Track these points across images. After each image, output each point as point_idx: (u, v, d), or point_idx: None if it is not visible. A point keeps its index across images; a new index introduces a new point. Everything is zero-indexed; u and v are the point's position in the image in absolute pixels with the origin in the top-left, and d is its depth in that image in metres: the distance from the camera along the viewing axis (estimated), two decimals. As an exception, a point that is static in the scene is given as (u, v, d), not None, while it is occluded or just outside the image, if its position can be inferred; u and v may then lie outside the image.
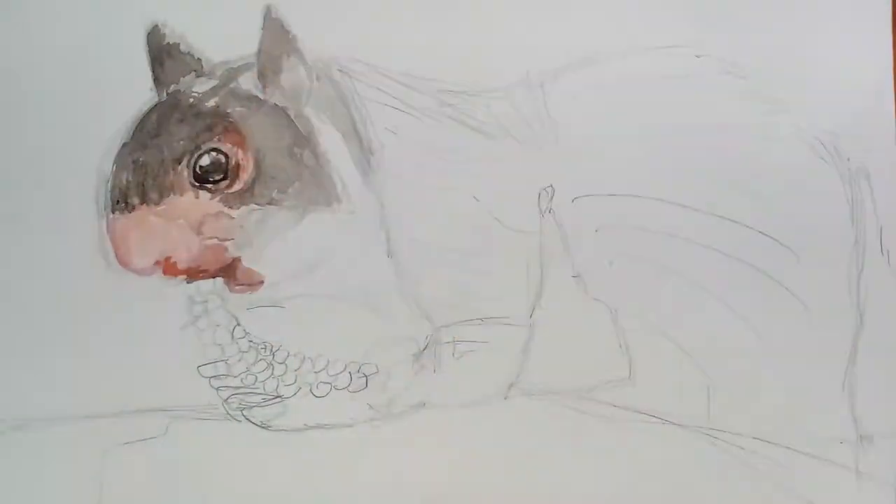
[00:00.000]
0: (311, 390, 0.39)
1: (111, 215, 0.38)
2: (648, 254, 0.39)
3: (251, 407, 0.39)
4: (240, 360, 0.39)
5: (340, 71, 0.39)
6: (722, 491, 0.39)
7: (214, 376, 0.39)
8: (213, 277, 0.39)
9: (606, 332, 0.39)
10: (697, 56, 0.40)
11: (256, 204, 0.38)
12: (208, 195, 0.38)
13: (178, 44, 0.39)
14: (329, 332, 0.39)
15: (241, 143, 0.38)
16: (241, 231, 0.38)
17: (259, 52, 0.38)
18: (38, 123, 0.39)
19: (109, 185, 0.38)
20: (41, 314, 0.39)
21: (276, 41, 0.38)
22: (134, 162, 0.38)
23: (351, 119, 0.39)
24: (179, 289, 0.39)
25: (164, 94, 0.39)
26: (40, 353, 0.39)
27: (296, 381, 0.39)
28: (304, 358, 0.39)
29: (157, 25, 0.39)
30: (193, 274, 0.38)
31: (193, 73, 0.39)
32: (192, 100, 0.38)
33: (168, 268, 0.38)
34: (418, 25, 0.39)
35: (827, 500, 0.38)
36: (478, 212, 0.39)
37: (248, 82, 0.38)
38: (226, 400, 0.39)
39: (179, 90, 0.39)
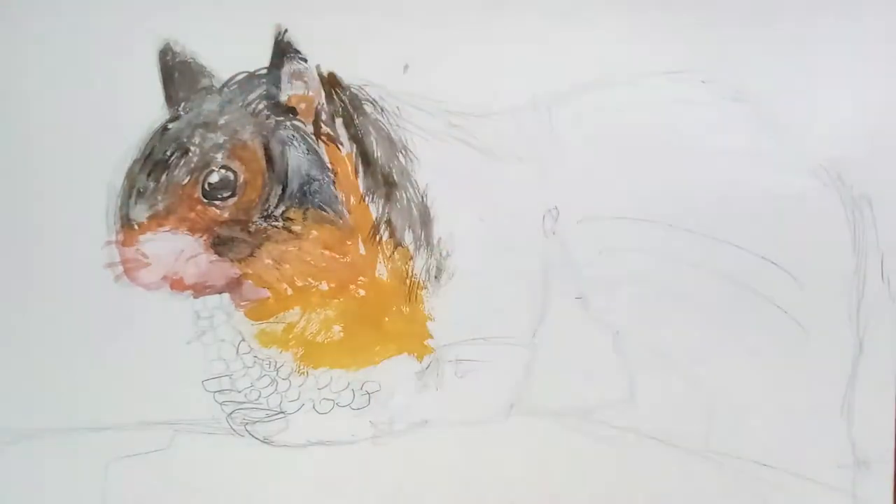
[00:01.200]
0: (314, 407, 0.39)
1: (121, 230, 0.39)
2: (651, 276, 0.39)
3: (254, 422, 0.39)
4: (244, 376, 0.39)
5: (352, 91, 0.39)
6: (720, 514, 0.39)
7: (219, 391, 0.39)
8: (220, 293, 0.39)
9: (608, 353, 0.39)
10: (703, 81, 0.40)
11: (263, 221, 0.38)
12: (216, 212, 0.38)
13: (190, 61, 0.39)
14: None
15: (249, 160, 0.38)
16: (247, 247, 0.38)
17: (269, 70, 0.39)
18: (51, 140, 0.40)
19: (120, 200, 0.39)
20: (49, 327, 0.39)
21: (286, 60, 0.38)
22: (144, 178, 0.38)
23: (361, 138, 0.39)
24: (186, 304, 0.39)
25: (176, 111, 0.39)
26: (47, 365, 0.39)
27: (299, 397, 0.39)
28: (307, 374, 0.40)
29: (168, 43, 0.39)
30: (200, 289, 0.39)
31: (204, 91, 0.39)
32: (202, 117, 0.39)
33: (175, 283, 0.39)
34: (425, 47, 0.39)
35: (824, 525, 0.39)
36: (483, 232, 0.39)
37: (258, 100, 0.39)
38: (230, 414, 0.39)
39: (190, 107, 0.39)
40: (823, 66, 0.40)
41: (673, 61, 0.40)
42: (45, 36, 0.40)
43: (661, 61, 0.40)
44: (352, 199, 0.39)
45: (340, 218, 0.39)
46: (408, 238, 0.39)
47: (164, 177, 0.38)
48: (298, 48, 0.39)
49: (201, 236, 0.38)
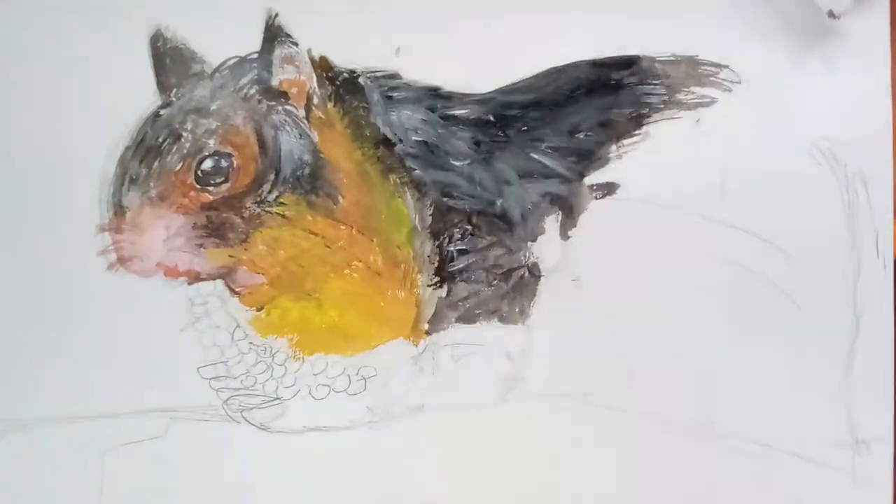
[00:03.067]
0: (310, 392, 0.39)
1: (113, 217, 0.39)
2: (646, 257, 0.39)
3: (251, 408, 0.39)
4: (240, 362, 0.39)
5: (344, 75, 0.39)
6: (719, 495, 0.39)
7: (214, 378, 0.39)
8: (214, 279, 0.39)
9: (604, 335, 0.39)
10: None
11: (256, 206, 0.38)
12: (210, 198, 0.38)
13: (181, 47, 0.39)
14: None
15: (242, 146, 0.38)
16: (241, 233, 0.38)
17: (260, 54, 0.39)
18: (41, 127, 0.40)
19: (112, 187, 0.39)
20: (42, 315, 0.39)
21: (277, 44, 0.38)
22: (137, 165, 0.38)
23: (353, 122, 0.39)
24: (180, 290, 0.39)
25: (167, 97, 0.39)
26: (41, 354, 0.39)
27: (295, 383, 0.39)
28: (303, 360, 0.39)
29: (159, 29, 0.39)
30: (194, 276, 0.39)
31: (196, 77, 0.39)
32: (194, 103, 0.39)
33: (169, 270, 0.38)
34: (417, 30, 0.39)
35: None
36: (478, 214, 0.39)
37: (249, 85, 0.39)
38: (225, 401, 0.39)
39: (182, 93, 0.39)
40: (816, 46, 0.40)
41: (664, 42, 0.40)
42: (35, 23, 0.40)
43: (652, 42, 0.40)
44: (345, 183, 0.39)
45: (334, 203, 0.39)
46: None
47: (156, 163, 0.38)
48: (289, 32, 0.39)
49: (194, 222, 0.38)
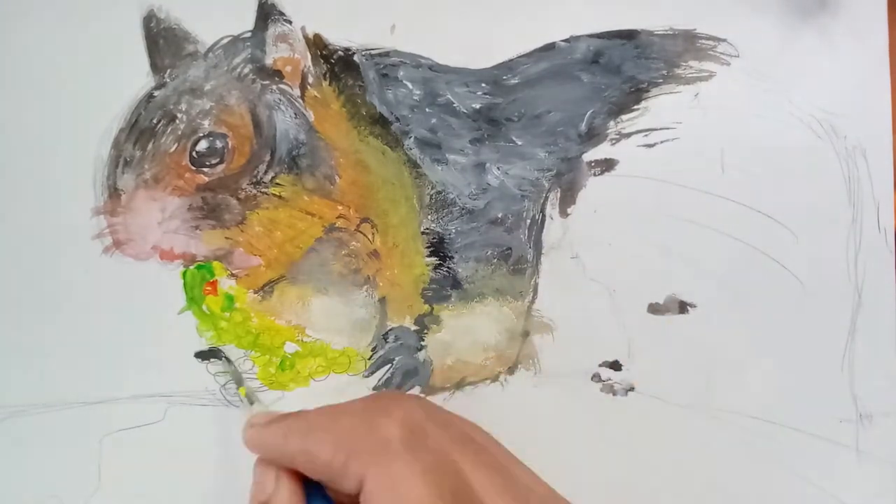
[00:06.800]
0: (309, 374, 0.39)
1: (108, 200, 0.38)
2: (646, 234, 0.39)
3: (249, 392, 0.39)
4: (238, 345, 0.39)
5: (339, 53, 0.39)
6: (722, 471, 0.38)
7: (211, 362, 0.39)
8: (211, 262, 0.39)
9: (605, 312, 0.39)
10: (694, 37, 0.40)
11: (252, 187, 0.38)
12: (205, 179, 0.38)
13: (175, 28, 0.39)
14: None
15: (236, 126, 0.38)
16: (237, 214, 0.38)
17: (253, 33, 0.38)
18: (35, 109, 0.39)
19: (107, 170, 0.38)
20: (37, 300, 0.39)
21: (270, 22, 0.38)
22: (131, 147, 0.38)
23: (349, 101, 0.39)
24: (176, 273, 0.39)
25: (161, 78, 0.39)
26: (37, 339, 0.39)
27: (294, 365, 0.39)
28: (302, 342, 0.39)
29: (152, 10, 0.39)
30: (190, 258, 0.38)
31: (189, 57, 0.39)
32: (188, 84, 0.38)
33: (164, 252, 0.38)
34: (412, 7, 0.39)
35: (827, 479, 0.38)
36: (475, 194, 0.39)
37: (243, 64, 0.38)
38: (223, 386, 0.39)
39: (176, 74, 0.39)
40: (815, 17, 0.40)
41: (661, 16, 0.40)
42: (28, 7, 0.39)
43: (651, 17, 0.40)
44: (342, 163, 0.39)
45: (331, 183, 0.38)
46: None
47: (150, 145, 0.38)
48: (283, 10, 0.38)
49: (190, 204, 0.38)
